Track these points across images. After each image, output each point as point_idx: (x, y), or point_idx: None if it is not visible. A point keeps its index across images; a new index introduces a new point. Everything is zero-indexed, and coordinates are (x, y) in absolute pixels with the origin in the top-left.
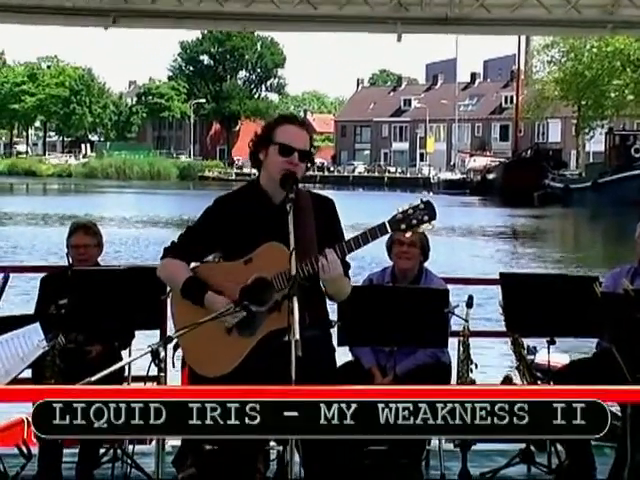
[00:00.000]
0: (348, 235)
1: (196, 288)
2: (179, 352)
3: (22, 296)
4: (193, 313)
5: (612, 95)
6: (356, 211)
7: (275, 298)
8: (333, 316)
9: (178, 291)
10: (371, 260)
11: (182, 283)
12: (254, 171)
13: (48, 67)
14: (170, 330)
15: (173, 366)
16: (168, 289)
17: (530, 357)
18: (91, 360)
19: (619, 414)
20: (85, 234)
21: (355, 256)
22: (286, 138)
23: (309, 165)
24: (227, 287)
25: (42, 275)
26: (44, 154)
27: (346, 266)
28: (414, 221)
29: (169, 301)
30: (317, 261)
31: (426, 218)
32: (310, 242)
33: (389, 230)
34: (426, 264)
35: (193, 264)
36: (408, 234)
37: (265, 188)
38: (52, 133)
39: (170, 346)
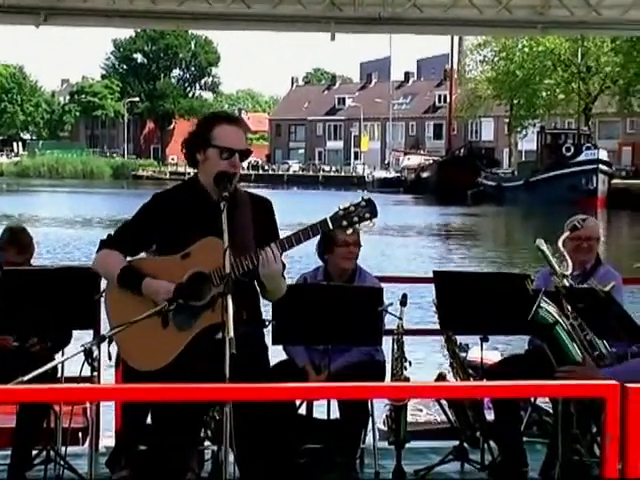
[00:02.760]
0: (283, 234)
1: (133, 275)
2: (113, 348)
3: None
4: (128, 308)
5: (543, 94)
6: (291, 210)
7: (213, 293)
8: (267, 315)
9: (114, 281)
10: (306, 259)
11: (118, 271)
12: (189, 170)
13: None
14: (104, 329)
15: (109, 359)
16: (102, 289)
17: (462, 354)
18: (34, 353)
19: (551, 411)
20: (18, 253)
21: (290, 254)
22: (225, 140)
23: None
24: (164, 280)
25: None
26: None
27: (282, 265)
28: (355, 218)
29: (102, 300)
30: (258, 256)
31: (367, 215)
32: (248, 240)
33: (330, 226)
34: (359, 262)
35: (129, 258)
36: (349, 231)
37: (204, 185)
38: None
39: (104, 343)
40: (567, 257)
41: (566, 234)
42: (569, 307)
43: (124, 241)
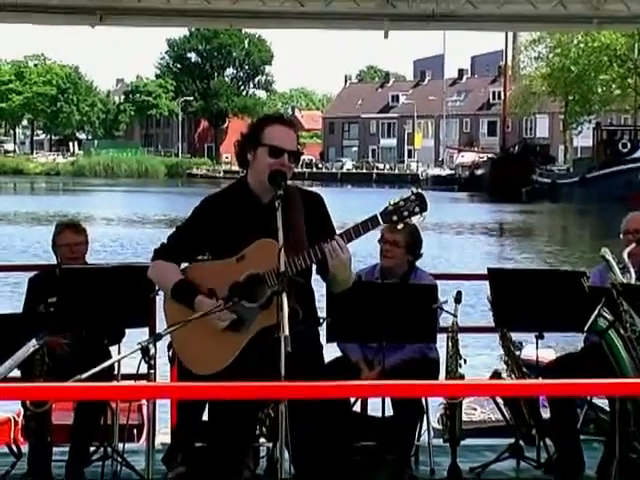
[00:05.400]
0: (337, 231)
1: (186, 291)
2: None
3: (11, 295)
4: (184, 311)
5: (599, 90)
6: (345, 208)
7: (268, 294)
8: (321, 312)
9: (168, 294)
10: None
11: (172, 286)
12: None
13: (35, 65)
14: (159, 327)
15: (171, 362)
16: (157, 287)
17: (517, 352)
18: (91, 350)
19: (607, 408)
20: (75, 233)
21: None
22: (275, 139)
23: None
24: (220, 285)
25: (30, 274)
26: (32, 153)
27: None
28: (405, 213)
29: (159, 300)
30: (321, 251)
31: (417, 209)
32: (300, 238)
33: (381, 222)
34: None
35: (184, 265)
36: (400, 226)
37: (253, 187)
38: (40, 131)
39: (164, 344)
40: (631, 268)
41: (632, 246)
42: (627, 318)
43: (176, 250)
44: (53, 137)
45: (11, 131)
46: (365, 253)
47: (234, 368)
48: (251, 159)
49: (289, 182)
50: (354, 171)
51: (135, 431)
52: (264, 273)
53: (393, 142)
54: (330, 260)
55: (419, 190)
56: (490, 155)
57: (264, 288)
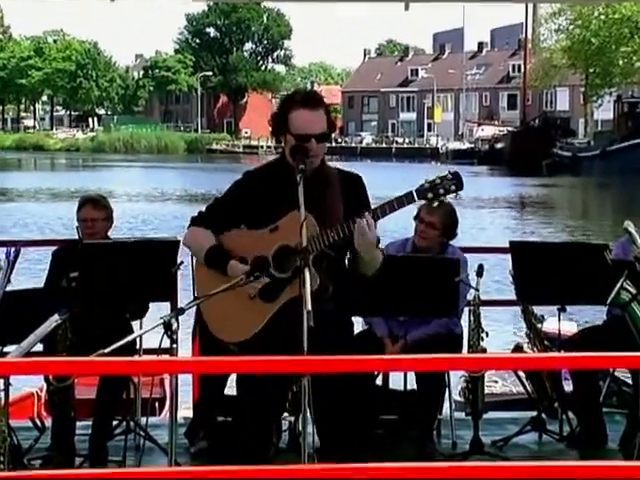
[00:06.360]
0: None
1: (219, 256)
2: (190, 322)
3: (33, 270)
4: (214, 281)
5: (620, 62)
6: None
7: (297, 265)
8: None
9: (202, 259)
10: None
11: (206, 251)
12: (262, 143)
13: (54, 41)
14: (181, 302)
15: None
16: (178, 261)
17: (538, 325)
18: (113, 325)
19: (630, 381)
20: (93, 208)
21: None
22: (300, 127)
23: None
24: (252, 254)
25: (53, 249)
26: (52, 128)
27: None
28: (441, 190)
29: (181, 274)
30: (354, 223)
31: (453, 188)
32: (336, 214)
33: (416, 199)
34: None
35: None
36: (435, 204)
37: (290, 162)
38: (59, 107)
39: (188, 319)
40: None
41: None
42: None
43: (214, 219)
44: (73, 113)
45: (31, 107)
46: (396, 230)
47: (260, 337)
48: (283, 141)
49: (328, 163)
50: (373, 145)
51: (157, 405)
52: (296, 244)
53: (413, 116)
54: (357, 238)
55: (456, 170)
56: (510, 129)
57: (295, 259)
